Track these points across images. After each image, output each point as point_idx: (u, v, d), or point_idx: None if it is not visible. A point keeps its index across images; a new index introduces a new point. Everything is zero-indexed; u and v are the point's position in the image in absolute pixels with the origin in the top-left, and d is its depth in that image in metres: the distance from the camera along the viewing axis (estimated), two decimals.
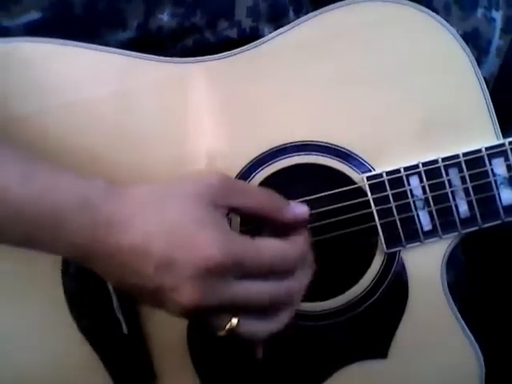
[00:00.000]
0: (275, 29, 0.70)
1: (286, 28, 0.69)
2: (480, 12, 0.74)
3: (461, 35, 0.70)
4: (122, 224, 0.59)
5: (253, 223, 0.67)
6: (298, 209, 0.65)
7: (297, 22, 0.69)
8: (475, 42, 0.73)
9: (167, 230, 0.58)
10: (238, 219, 0.69)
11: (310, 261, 0.64)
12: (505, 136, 0.70)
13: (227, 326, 0.59)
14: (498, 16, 0.75)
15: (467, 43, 0.70)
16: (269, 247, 0.60)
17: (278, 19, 0.70)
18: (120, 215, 0.59)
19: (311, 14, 0.69)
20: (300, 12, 0.70)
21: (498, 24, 0.75)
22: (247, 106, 0.69)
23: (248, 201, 0.62)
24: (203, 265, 0.57)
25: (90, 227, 0.59)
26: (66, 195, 0.59)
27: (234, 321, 0.59)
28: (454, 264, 0.76)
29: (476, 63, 0.69)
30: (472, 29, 0.73)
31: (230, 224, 0.68)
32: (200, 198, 0.60)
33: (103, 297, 0.70)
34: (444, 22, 0.69)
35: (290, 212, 0.64)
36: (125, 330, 0.70)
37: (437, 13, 0.70)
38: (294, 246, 0.62)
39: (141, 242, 0.58)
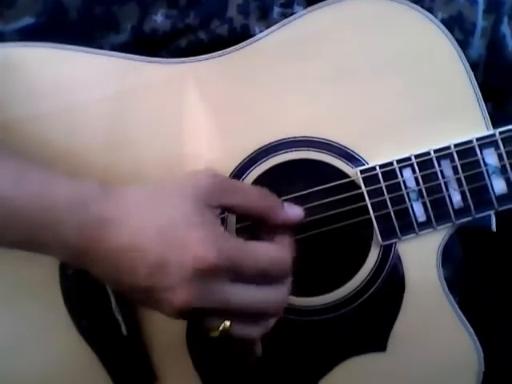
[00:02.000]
0: (265, 26, 0.70)
1: (277, 26, 0.70)
2: None
3: (446, 19, 0.71)
4: (115, 223, 0.59)
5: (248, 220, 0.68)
6: (293, 211, 0.66)
7: (288, 20, 0.70)
8: (461, 24, 0.74)
9: (161, 230, 0.58)
10: (234, 216, 0.69)
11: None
12: (499, 115, 0.70)
13: (220, 328, 0.59)
14: None
15: (453, 27, 0.71)
16: (264, 251, 0.60)
17: (267, 16, 0.71)
18: (113, 214, 0.59)
19: (301, 12, 0.70)
20: (288, 8, 0.71)
21: (481, 6, 0.75)
22: (238, 104, 0.70)
23: (242, 200, 0.63)
24: (197, 266, 0.56)
25: (82, 226, 0.59)
26: (58, 196, 0.59)
27: (227, 323, 0.59)
28: (452, 259, 0.76)
29: (463, 54, 0.70)
30: (457, 12, 0.74)
31: (226, 221, 0.69)
32: (194, 199, 0.60)
33: (102, 298, 0.70)
34: (428, 14, 0.70)
35: (284, 213, 0.65)
36: (124, 331, 0.70)
37: (422, 1, 0.71)
38: (287, 250, 0.62)
39: (134, 241, 0.58)
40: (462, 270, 0.84)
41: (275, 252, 0.61)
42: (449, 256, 0.72)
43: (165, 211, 0.60)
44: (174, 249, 0.57)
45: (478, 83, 0.70)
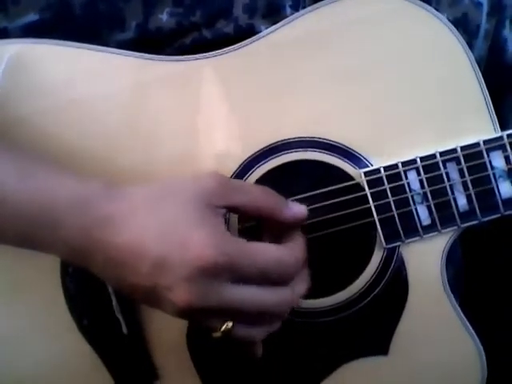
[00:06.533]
0: (271, 25, 0.69)
1: (283, 22, 0.69)
2: None
3: (451, 21, 0.69)
4: (118, 223, 0.59)
5: (251, 221, 0.67)
6: (297, 208, 0.65)
7: (293, 16, 0.69)
8: (465, 26, 0.73)
9: (163, 230, 0.58)
10: (236, 217, 0.69)
11: (306, 272, 0.64)
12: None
13: (222, 328, 0.59)
14: (484, 0, 0.75)
15: (458, 28, 0.69)
16: (265, 252, 0.60)
17: (275, 15, 0.70)
18: (116, 214, 0.59)
19: (308, 9, 0.69)
20: (298, 8, 0.70)
21: (485, 8, 0.75)
22: (242, 103, 0.69)
23: (246, 199, 0.62)
24: (197, 264, 0.56)
25: (85, 226, 0.59)
26: (62, 194, 0.60)
27: (230, 323, 0.59)
28: (452, 260, 0.75)
29: (472, 55, 0.68)
30: (461, 14, 0.73)
31: (228, 222, 0.68)
32: (197, 200, 0.60)
33: (102, 297, 0.70)
34: (439, 14, 0.68)
35: (289, 212, 0.64)
36: (125, 330, 0.70)
37: (429, 2, 0.69)
38: (291, 253, 0.62)
39: (136, 241, 0.58)
40: (462, 271, 0.84)
41: (277, 253, 0.60)
42: (449, 257, 0.71)
43: (167, 211, 0.60)
44: (174, 248, 0.57)
45: None
